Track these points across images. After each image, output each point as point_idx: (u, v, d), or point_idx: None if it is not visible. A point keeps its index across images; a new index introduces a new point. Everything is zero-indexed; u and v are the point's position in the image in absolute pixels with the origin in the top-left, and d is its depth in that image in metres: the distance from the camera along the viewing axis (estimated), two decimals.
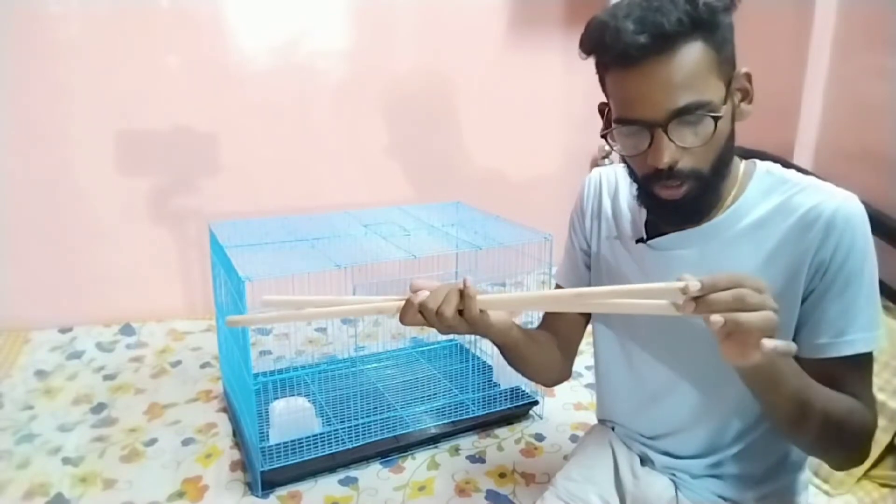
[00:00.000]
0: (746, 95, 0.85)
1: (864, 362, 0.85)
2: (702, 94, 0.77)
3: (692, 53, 0.76)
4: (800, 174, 0.89)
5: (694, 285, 0.65)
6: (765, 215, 0.86)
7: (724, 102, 0.80)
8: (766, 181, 0.89)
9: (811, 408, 0.76)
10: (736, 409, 0.94)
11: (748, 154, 0.94)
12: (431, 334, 2.18)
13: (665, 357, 0.99)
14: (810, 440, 0.82)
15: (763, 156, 1.85)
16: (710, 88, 0.78)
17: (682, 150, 0.79)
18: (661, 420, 1.03)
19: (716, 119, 0.78)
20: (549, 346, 1.07)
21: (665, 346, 0.98)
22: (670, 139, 0.78)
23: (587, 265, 1.09)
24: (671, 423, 1.01)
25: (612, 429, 1.15)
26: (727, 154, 0.84)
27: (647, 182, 0.84)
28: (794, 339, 0.86)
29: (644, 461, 1.08)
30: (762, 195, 0.88)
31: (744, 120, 0.85)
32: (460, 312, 0.82)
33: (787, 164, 1.82)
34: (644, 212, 0.97)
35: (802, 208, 0.84)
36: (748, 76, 0.84)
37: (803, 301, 0.85)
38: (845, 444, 0.83)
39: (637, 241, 0.97)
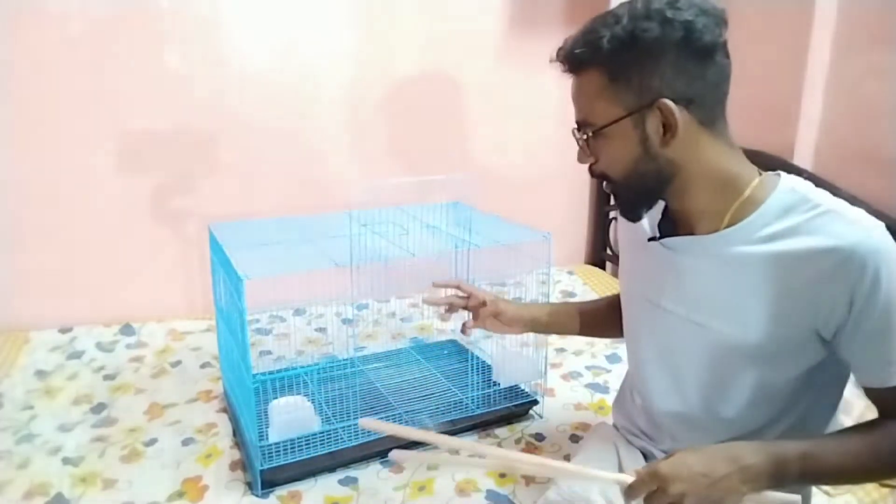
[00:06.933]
0: (669, 128, 0.84)
1: None
2: (583, 114, 0.92)
3: (586, 78, 0.90)
4: (827, 195, 0.86)
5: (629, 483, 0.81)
6: (779, 234, 0.84)
7: (615, 125, 0.87)
8: (788, 199, 0.85)
9: (846, 474, 0.87)
10: (741, 416, 0.94)
11: (748, 154, 0.93)
12: (431, 334, 2.18)
13: (667, 367, 0.99)
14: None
15: (762, 156, 1.85)
16: (594, 112, 0.89)
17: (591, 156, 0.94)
18: (666, 423, 1.02)
19: (586, 136, 0.91)
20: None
21: (667, 353, 0.99)
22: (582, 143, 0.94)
23: None
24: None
25: (615, 427, 1.15)
26: (646, 173, 0.88)
27: None
28: (846, 371, 0.91)
29: (647, 458, 1.08)
30: (781, 212, 0.85)
31: (668, 148, 0.85)
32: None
33: (787, 165, 1.83)
34: (659, 212, 1.00)
35: (822, 235, 0.81)
36: (668, 109, 0.83)
37: (833, 335, 0.84)
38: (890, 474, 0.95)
39: (650, 240, 0.99)
